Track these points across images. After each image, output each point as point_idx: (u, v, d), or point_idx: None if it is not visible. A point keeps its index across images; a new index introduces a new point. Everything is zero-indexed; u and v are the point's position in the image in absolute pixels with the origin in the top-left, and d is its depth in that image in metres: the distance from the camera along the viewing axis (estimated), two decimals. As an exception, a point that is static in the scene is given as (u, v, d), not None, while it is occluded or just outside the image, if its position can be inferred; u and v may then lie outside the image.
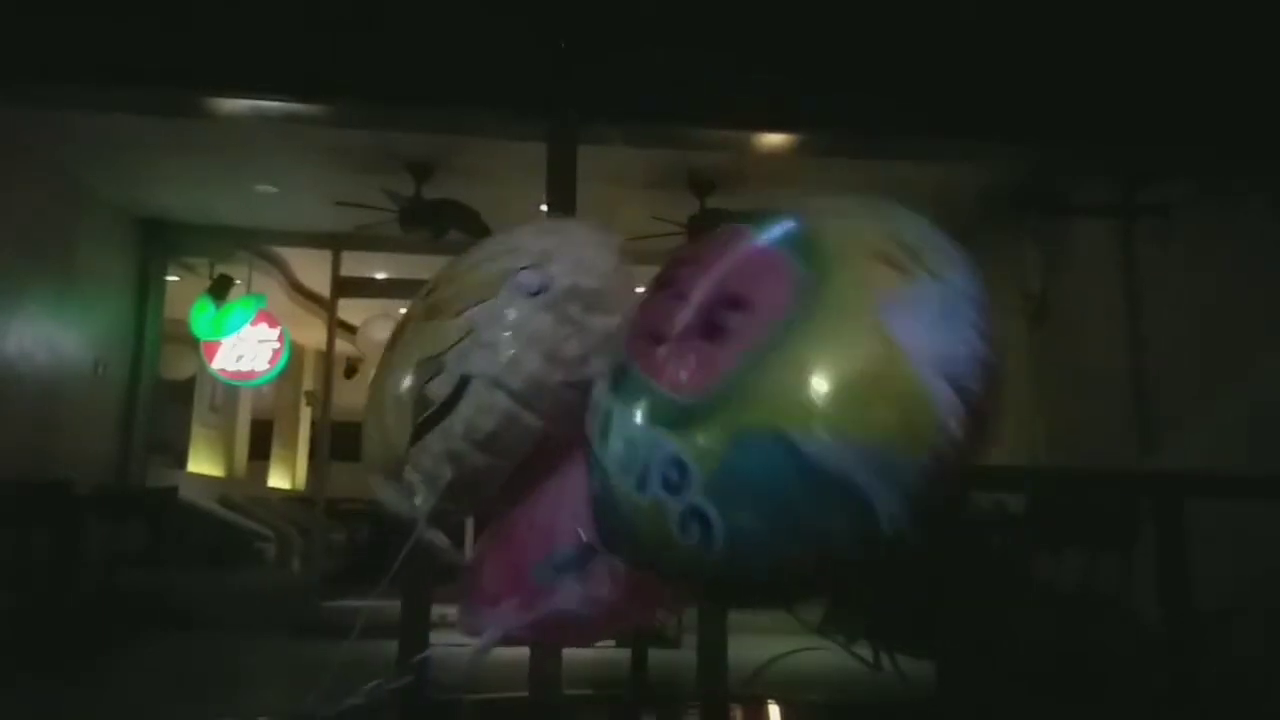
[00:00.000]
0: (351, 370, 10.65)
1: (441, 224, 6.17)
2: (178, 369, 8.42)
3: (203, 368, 8.09)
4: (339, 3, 3.96)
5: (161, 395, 7.69)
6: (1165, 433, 4.71)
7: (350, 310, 8.16)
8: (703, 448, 0.84)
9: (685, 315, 0.93)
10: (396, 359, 1.14)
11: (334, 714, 1.07)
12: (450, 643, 1.18)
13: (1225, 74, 3.95)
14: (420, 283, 1.25)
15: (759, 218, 1.00)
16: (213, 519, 7.59)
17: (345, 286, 7.49)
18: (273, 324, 7.85)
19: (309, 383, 11.09)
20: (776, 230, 0.97)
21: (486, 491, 1.10)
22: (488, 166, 5.80)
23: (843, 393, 0.82)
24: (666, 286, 0.99)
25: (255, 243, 7.55)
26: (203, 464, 9.09)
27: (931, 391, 0.81)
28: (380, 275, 7.79)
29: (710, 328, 0.91)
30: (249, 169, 6.04)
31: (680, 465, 0.84)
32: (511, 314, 1.08)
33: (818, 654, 3.62)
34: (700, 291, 0.94)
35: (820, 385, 0.82)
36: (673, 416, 0.87)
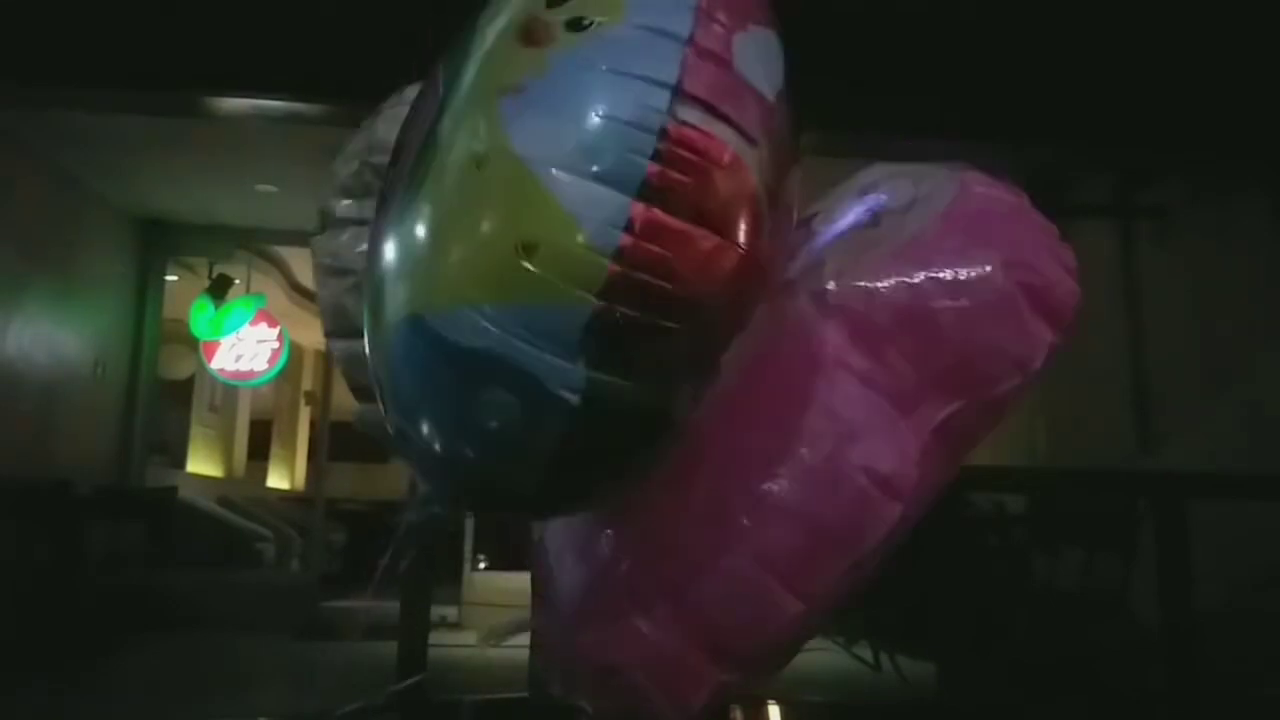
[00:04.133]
0: (351, 370, 10.62)
1: (441, 224, 6.15)
2: (177, 369, 8.41)
3: (202, 368, 8.08)
4: (339, 3, 3.95)
5: (161, 395, 7.69)
6: (1165, 433, 4.71)
7: (350, 310, 8.15)
8: (375, 355, 0.71)
9: None
10: None
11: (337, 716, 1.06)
12: (449, 643, 1.18)
13: (1224, 75, 3.95)
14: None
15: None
16: (212, 519, 7.58)
17: (345, 287, 7.47)
18: (272, 324, 7.84)
19: (308, 383, 11.08)
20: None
21: None
22: (487, 166, 5.78)
23: (456, 251, 0.63)
24: None
25: (254, 242, 7.53)
26: (202, 464, 9.08)
27: (564, 203, 0.59)
28: (380, 275, 7.77)
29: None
30: (249, 169, 6.03)
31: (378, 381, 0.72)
32: None
33: (818, 654, 3.62)
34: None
35: (433, 252, 0.63)
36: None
